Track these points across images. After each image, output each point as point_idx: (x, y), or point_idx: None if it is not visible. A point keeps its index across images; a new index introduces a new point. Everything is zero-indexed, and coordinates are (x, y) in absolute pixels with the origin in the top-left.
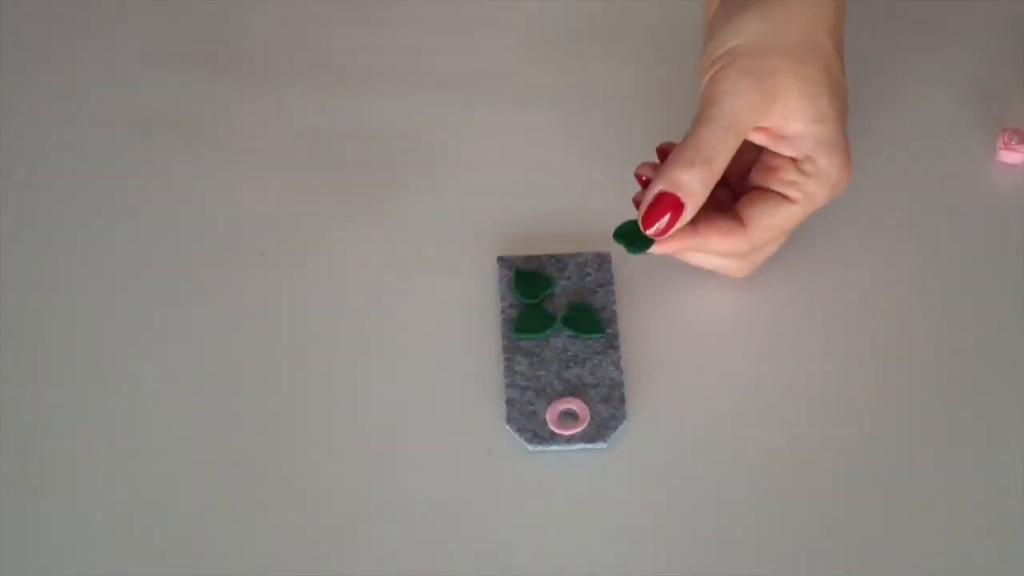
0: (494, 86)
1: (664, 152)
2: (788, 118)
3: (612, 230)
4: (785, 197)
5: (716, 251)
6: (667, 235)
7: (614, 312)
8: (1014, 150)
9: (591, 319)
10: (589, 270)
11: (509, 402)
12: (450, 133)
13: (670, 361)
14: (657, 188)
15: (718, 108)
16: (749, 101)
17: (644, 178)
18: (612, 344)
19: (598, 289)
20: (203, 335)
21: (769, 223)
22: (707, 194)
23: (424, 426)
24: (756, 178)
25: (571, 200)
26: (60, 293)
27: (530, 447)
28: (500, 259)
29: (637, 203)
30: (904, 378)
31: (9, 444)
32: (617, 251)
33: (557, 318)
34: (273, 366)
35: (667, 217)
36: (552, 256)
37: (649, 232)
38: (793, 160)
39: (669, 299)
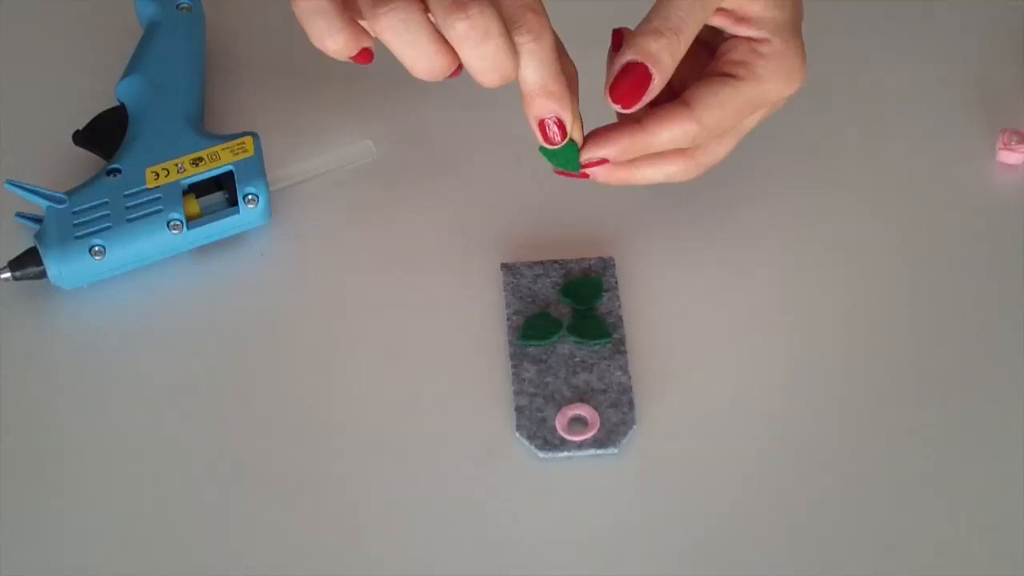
0: (497, 90)
1: (620, 34)
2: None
3: (613, 234)
4: (731, 76)
5: (663, 143)
6: (633, 109)
7: (620, 317)
8: (1014, 150)
9: (597, 325)
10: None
11: (518, 409)
12: (451, 139)
13: (678, 364)
14: (626, 57)
15: None
16: None
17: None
18: (619, 349)
19: (603, 294)
20: (208, 339)
21: (715, 102)
22: (674, 67)
23: (433, 434)
24: (708, 70)
25: (574, 205)
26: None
27: (541, 454)
28: (503, 266)
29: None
30: (906, 378)
31: (11, 445)
32: (621, 255)
33: (563, 324)
34: (281, 375)
35: (632, 90)
36: (556, 262)
37: (617, 105)
38: (749, 41)
39: (675, 302)
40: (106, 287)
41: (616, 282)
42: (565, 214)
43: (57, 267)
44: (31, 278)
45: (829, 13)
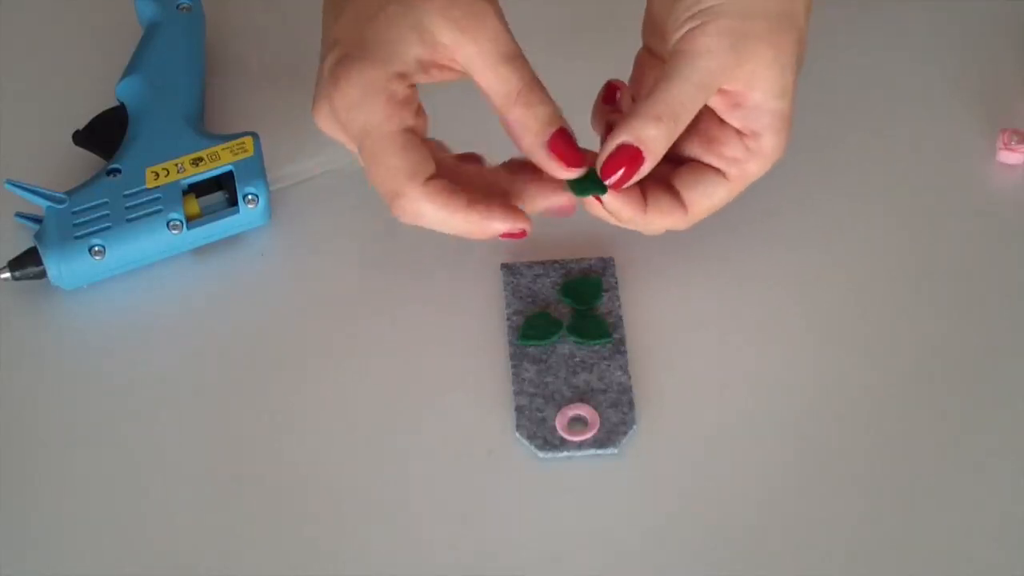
0: None
1: (613, 88)
2: (753, 86)
3: (613, 234)
4: (722, 174)
5: (654, 230)
6: (623, 187)
7: (620, 317)
8: (1014, 150)
9: (597, 325)
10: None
11: (518, 409)
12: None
13: (678, 364)
14: (620, 139)
15: (692, 67)
16: (724, 63)
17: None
18: (619, 349)
19: (603, 294)
20: (208, 339)
21: (708, 205)
22: (665, 151)
23: (433, 434)
24: (694, 149)
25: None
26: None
27: (540, 454)
28: (503, 266)
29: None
30: (906, 378)
31: (10, 445)
32: (621, 255)
33: (563, 324)
34: (280, 374)
35: (623, 170)
36: (556, 262)
37: (608, 183)
38: (738, 133)
39: (675, 302)
40: (106, 287)
41: (616, 282)
42: None
43: (57, 267)
44: (31, 278)
45: (830, 14)
